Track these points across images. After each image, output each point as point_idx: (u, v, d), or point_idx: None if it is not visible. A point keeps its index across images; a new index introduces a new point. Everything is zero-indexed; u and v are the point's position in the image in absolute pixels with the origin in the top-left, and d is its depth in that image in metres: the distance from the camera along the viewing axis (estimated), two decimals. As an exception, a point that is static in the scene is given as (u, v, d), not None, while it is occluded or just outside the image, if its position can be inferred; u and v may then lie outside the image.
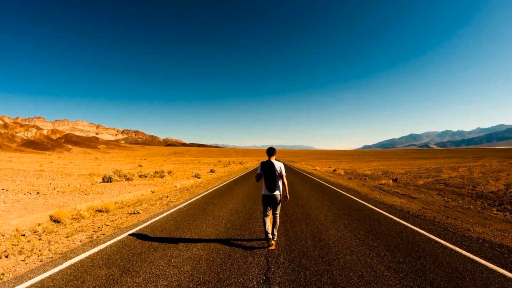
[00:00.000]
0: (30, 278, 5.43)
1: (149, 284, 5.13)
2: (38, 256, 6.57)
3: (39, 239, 7.84)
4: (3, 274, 5.61)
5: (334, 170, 48.21)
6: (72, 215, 10.54)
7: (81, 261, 6.27)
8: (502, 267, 5.82)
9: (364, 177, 32.65)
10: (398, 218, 10.51)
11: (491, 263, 6.04)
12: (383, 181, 25.81)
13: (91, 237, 8.07)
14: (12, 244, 7.30)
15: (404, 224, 9.51)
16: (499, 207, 12.90)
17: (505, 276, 5.41)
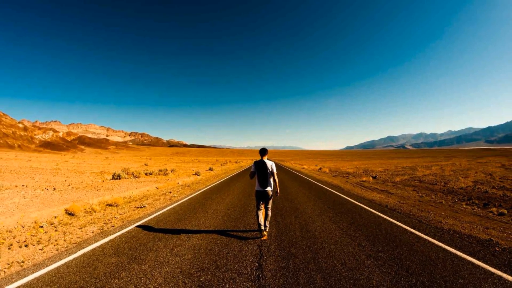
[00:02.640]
0: (48, 265, 5.41)
1: (154, 271, 5.13)
2: (54, 245, 6.54)
3: (55, 230, 7.79)
4: (23, 261, 5.59)
5: (320, 169, 48.32)
6: (85, 209, 10.50)
7: (93, 250, 6.25)
8: (471, 255, 5.87)
9: (347, 175, 32.75)
10: (377, 211, 10.57)
11: (460, 251, 6.09)
12: (364, 178, 25.90)
13: (102, 229, 8.04)
14: (31, 235, 7.27)
15: (382, 217, 9.55)
16: (468, 202, 13.00)
17: (473, 264, 5.46)
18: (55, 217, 9.18)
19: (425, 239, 6.96)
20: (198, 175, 29.96)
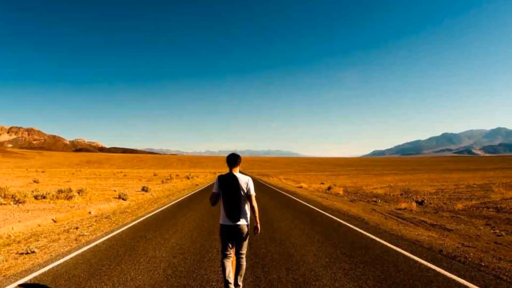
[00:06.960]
0: None
1: None
2: None
3: None
4: None
5: (329, 188, 48.67)
6: None
7: None
8: None
9: (375, 199, 33.08)
10: (427, 261, 10.31)
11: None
12: (403, 205, 26.04)
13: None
14: None
15: (436, 271, 9.28)
16: None
17: None
18: None
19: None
20: (123, 199, 30.06)
